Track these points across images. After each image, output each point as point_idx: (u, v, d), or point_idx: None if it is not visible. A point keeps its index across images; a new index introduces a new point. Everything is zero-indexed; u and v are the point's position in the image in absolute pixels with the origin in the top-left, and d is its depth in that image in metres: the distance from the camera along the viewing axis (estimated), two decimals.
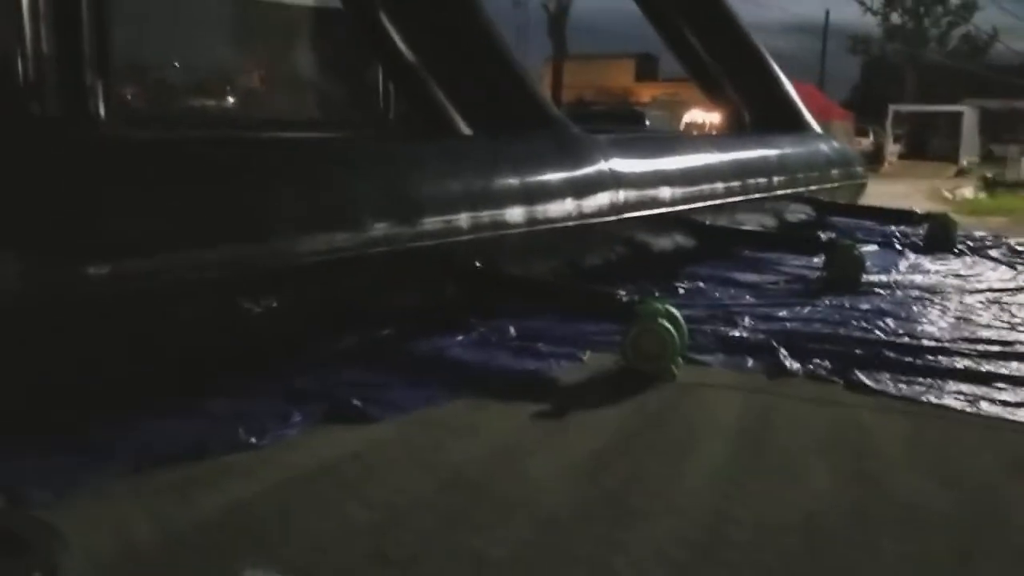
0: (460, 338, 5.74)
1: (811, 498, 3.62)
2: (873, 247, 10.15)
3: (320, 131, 11.44)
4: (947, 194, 19.49)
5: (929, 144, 34.83)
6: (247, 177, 4.94)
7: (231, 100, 19.23)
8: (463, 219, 5.87)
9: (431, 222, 5.67)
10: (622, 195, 7.56)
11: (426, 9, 7.53)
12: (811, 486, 3.75)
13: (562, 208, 6.80)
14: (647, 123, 24.23)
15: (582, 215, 7.04)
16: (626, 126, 18.69)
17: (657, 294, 6.67)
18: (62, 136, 6.97)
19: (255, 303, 4.73)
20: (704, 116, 24.97)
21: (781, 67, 13.18)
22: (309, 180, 5.23)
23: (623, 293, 5.70)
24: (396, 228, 5.45)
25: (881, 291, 7.74)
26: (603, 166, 7.44)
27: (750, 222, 9.89)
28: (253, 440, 3.95)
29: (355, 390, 4.59)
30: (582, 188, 7.07)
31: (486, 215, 6.04)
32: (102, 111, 8.15)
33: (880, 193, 15.59)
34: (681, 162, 8.91)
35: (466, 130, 7.37)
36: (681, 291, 7.54)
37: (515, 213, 6.29)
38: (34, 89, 8.01)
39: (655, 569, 3.03)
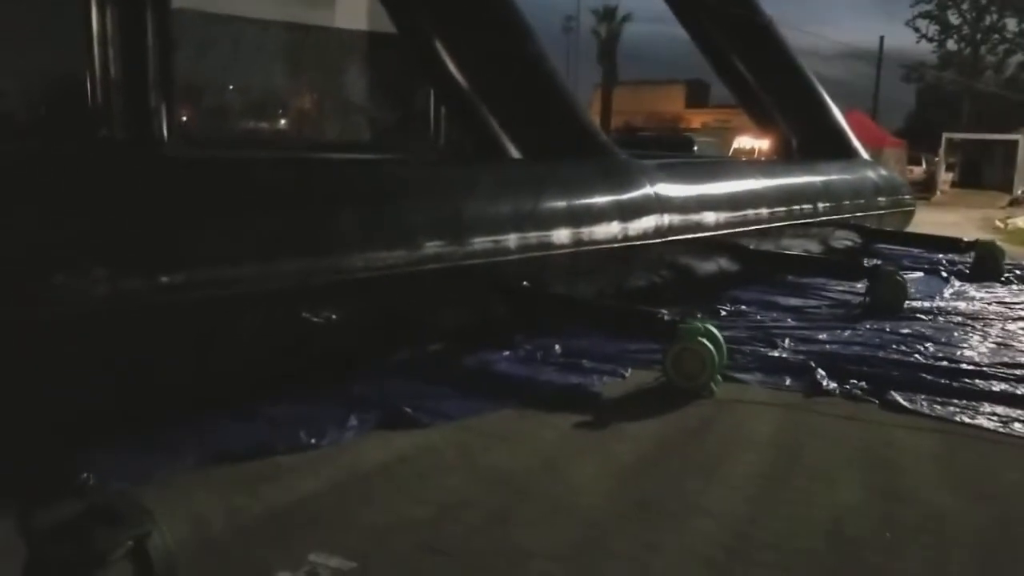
0: (507, 354, 5.98)
1: (840, 507, 3.79)
2: (918, 274, 10.21)
3: (372, 154, 11.81)
4: (999, 223, 19.30)
5: (984, 173, 34.41)
6: (307, 196, 5.25)
7: (285, 122, 19.83)
8: (511, 239, 6.13)
9: (480, 242, 5.93)
10: (667, 219, 7.76)
11: (479, 36, 7.83)
12: (840, 496, 3.91)
13: (608, 231, 7.03)
14: (695, 149, 24.34)
15: (627, 238, 7.26)
16: (674, 152, 18.84)
17: (699, 315, 6.84)
18: (135, 157, 7.37)
19: (314, 315, 5.03)
20: (753, 142, 25.01)
21: (835, 94, 13.31)
22: (365, 200, 5.53)
23: (665, 313, 5.89)
24: (447, 247, 5.72)
25: (923, 317, 7.82)
26: (648, 190, 7.66)
27: (795, 248, 10.02)
28: (313, 441, 4.24)
29: (407, 399, 4.87)
30: (628, 211, 7.29)
31: (533, 236, 6.29)
32: (165, 133, 8.57)
33: (931, 221, 15.57)
34: (726, 187, 9.09)
35: (515, 154, 7.64)
36: (723, 313, 7.70)
37: (562, 235, 6.54)
38: (102, 113, 8.48)
39: (688, 566, 3.23)
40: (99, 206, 4.23)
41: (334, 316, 5.14)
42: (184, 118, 15.61)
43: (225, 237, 4.63)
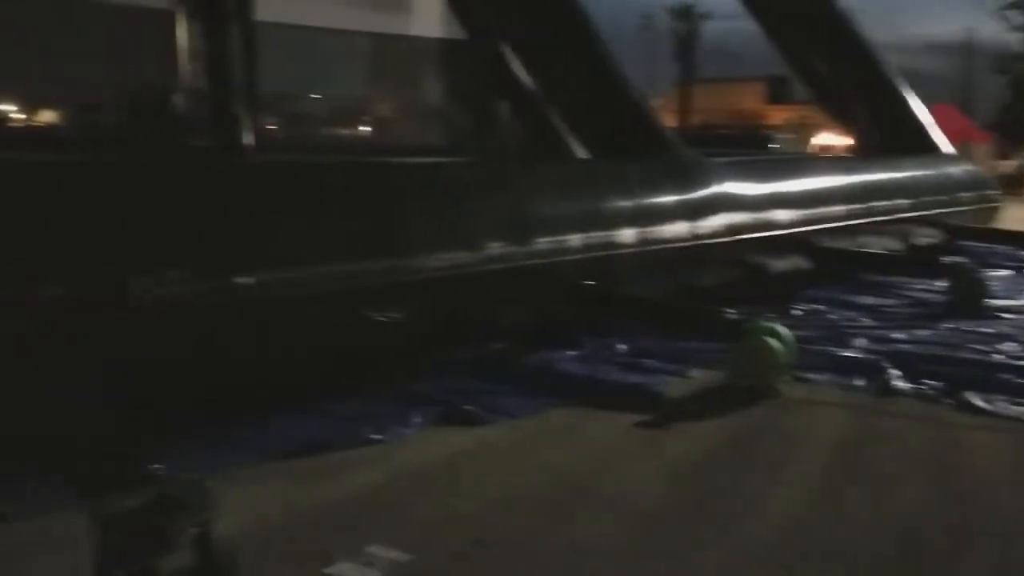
0: (571, 353, 6.00)
1: (902, 509, 3.70)
2: (1005, 272, 9.84)
3: (446, 156, 11.97)
4: None
5: None
6: (376, 199, 5.39)
7: (363, 128, 20.28)
8: (575, 239, 6.16)
9: (545, 242, 5.98)
10: (736, 217, 7.69)
11: (545, 39, 7.88)
12: (904, 498, 3.82)
13: (674, 230, 7.00)
14: (773, 146, 23.89)
15: (695, 236, 7.21)
16: (750, 150, 18.56)
17: (769, 314, 6.76)
18: (214, 165, 7.63)
19: (380, 314, 5.15)
20: (834, 139, 24.46)
21: (924, 87, 12.94)
22: (432, 202, 5.65)
23: (731, 312, 5.84)
24: (512, 247, 5.79)
25: (1007, 315, 7.54)
26: (717, 189, 7.59)
27: (873, 245, 9.77)
28: (376, 437, 4.35)
29: (469, 396, 4.95)
30: (694, 210, 7.25)
31: (598, 236, 6.31)
32: (249, 141, 8.84)
33: (1022, 218, 14.94)
34: (799, 184, 8.95)
35: (583, 154, 7.67)
36: (796, 312, 7.57)
37: (626, 234, 6.54)
38: (190, 123, 8.81)
39: (740, 566, 3.21)
40: (175, 212, 4.44)
41: (399, 315, 5.26)
42: (268, 126, 16.14)
43: (293, 240, 4.79)
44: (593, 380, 5.45)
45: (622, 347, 6.12)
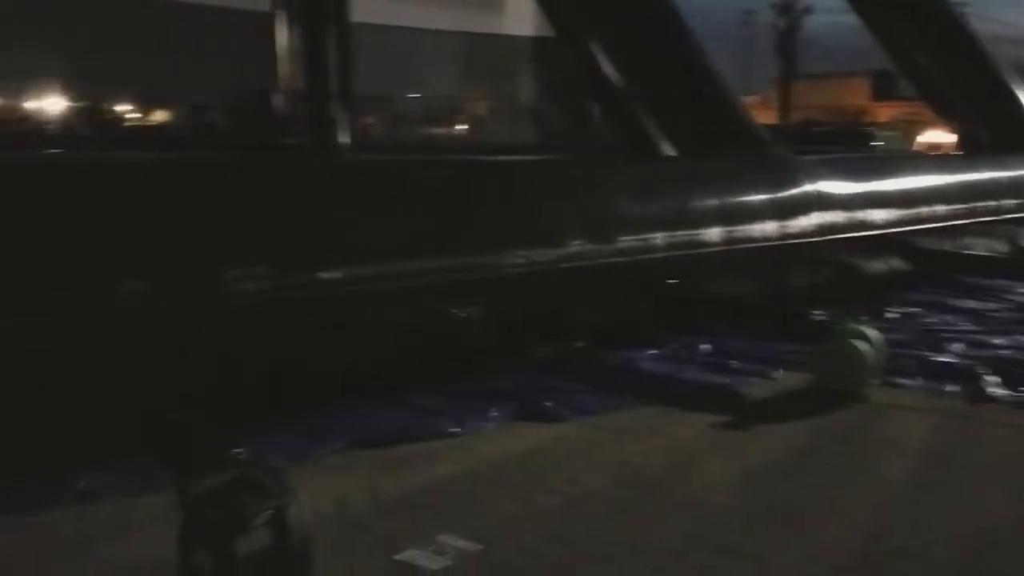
0: (653, 352, 5.98)
1: (986, 517, 3.58)
2: None
3: (537, 155, 12.03)
4: None
5: None
6: (460, 196, 5.48)
7: (457, 127, 20.57)
8: (659, 238, 6.14)
9: (628, 240, 5.98)
10: (829, 216, 7.51)
11: (634, 35, 7.85)
12: (989, 506, 3.69)
13: (763, 229, 6.89)
14: (876, 144, 23.13)
15: (785, 236, 7.08)
16: (851, 147, 18.02)
17: (862, 317, 6.58)
18: (305, 163, 7.89)
19: (461, 311, 5.24)
20: (942, 136, 23.52)
21: None
22: (518, 199, 5.71)
23: (818, 313, 5.72)
24: (594, 245, 5.80)
25: None
26: (809, 187, 7.44)
27: (978, 247, 9.40)
28: (454, 430, 4.45)
29: (547, 393, 4.99)
30: (785, 209, 7.12)
31: (682, 234, 6.27)
32: (345, 140, 9.09)
33: None
34: (898, 183, 8.68)
35: (671, 152, 7.61)
36: (891, 315, 7.35)
37: (712, 233, 6.47)
38: (288, 122, 9.12)
39: (813, 569, 3.16)
40: (266, 208, 4.62)
41: (482, 312, 5.34)
42: (367, 125, 16.53)
43: (378, 235, 4.93)
44: (674, 379, 5.43)
45: (705, 347, 6.07)
